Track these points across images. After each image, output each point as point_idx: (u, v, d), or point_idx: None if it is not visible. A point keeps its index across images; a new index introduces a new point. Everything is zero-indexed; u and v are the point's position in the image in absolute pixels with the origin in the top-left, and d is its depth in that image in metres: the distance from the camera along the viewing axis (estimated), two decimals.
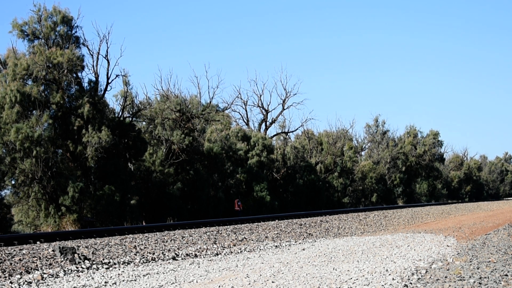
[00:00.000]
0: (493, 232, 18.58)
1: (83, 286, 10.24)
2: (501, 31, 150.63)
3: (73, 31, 28.15)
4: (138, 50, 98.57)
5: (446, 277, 9.12)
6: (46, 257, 12.93)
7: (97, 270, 12.26)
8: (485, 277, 8.85)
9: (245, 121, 48.91)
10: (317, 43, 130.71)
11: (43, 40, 27.48)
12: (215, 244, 17.21)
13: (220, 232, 19.63)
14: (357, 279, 9.55)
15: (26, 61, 26.01)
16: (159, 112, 33.12)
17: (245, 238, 18.88)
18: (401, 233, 20.07)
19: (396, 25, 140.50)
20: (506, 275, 9.01)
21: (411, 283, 8.88)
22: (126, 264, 13.15)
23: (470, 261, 10.81)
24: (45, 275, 11.39)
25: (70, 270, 12.02)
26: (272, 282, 9.68)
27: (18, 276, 11.25)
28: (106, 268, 12.44)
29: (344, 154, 51.91)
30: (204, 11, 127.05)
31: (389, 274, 9.86)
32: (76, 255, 13.13)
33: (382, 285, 8.84)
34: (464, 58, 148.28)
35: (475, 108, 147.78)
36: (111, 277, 11.12)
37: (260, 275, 10.55)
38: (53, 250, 13.40)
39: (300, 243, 17.99)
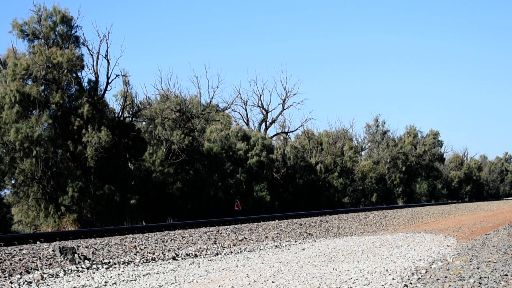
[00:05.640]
0: (493, 232, 18.57)
1: (83, 286, 10.24)
2: (501, 31, 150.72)
3: (73, 31, 28.19)
4: (138, 50, 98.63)
5: (446, 277, 9.12)
6: (46, 257, 12.93)
7: (97, 270, 12.25)
8: (485, 277, 8.85)
9: (245, 121, 48.94)
10: (317, 43, 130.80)
11: (43, 40, 27.48)
12: (215, 244, 17.21)
13: (220, 232, 19.63)
14: (357, 279, 9.54)
15: (26, 61, 26.00)
16: (159, 112, 33.11)
17: (245, 238, 18.88)
18: (401, 233, 20.07)
19: (396, 25, 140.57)
20: (506, 275, 9.01)
21: (411, 283, 8.88)
22: (126, 264, 13.15)
23: (470, 261, 10.81)
24: (45, 275, 11.39)
25: (70, 270, 12.02)
26: (272, 282, 9.68)
27: (18, 276, 11.25)
28: (106, 268, 12.43)
29: (344, 154, 51.90)
30: (204, 11, 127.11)
31: (389, 274, 9.86)
32: (76, 255, 13.13)
33: (382, 285, 8.83)
34: (464, 58, 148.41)
35: (475, 108, 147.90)
36: (111, 277, 11.11)
37: (260, 275, 10.54)
38: (53, 250, 13.40)
39: (300, 243, 17.99)
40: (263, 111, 49.10)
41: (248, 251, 15.82)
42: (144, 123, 34.27)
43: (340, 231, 22.89)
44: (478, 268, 9.77)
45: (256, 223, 23.59)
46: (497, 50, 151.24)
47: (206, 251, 15.60)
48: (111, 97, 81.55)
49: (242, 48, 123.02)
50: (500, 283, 8.42)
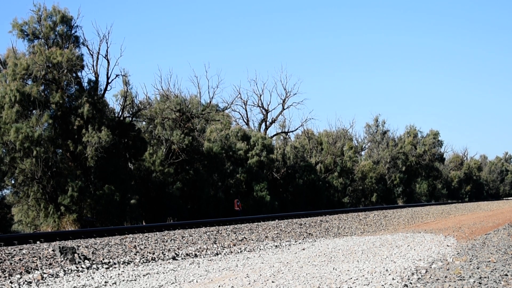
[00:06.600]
0: (493, 232, 18.57)
1: (83, 286, 10.24)
2: (501, 31, 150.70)
3: (73, 31, 28.16)
4: (138, 50, 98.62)
5: (446, 277, 9.12)
6: (46, 257, 12.93)
7: (97, 270, 12.25)
8: (485, 277, 8.85)
9: (245, 121, 48.94)
10: (317, 43, 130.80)
11: (43, 40, 27.47)
12: (215, 244, 17.21)
13: (220, 232, 19.63)
14: (357, 279, 9.54)
15: (26, 61, 26.00)
16: (159, 112, 33.11)
17: (245, 238, 18.88)
18: (401, 233, 20.07)
19: (396, 25, 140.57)
20: (506, 275, 9.01)
21: (411, 283, 8.88)
22: (126, 264, 13.15)
23: (470, 261, 10.81)
24: (45, 275, 11.39)
25: (70, 270, 12.02)
26: (272, 282, 9.68)
27: (18, 276, 11.25)
28: (106, 268, 12.44)
29: (344, 154, 51.90)
30: (204, 11, 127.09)
31: (389, 274, 9.86)
32: (76, 255, 13.13)
33: (382, 285, 8.83)
34: (464, 58, 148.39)
35: (475, 108, 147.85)
36: (111, 277, 11.11)
37: (260, 275, 10.55)
38: (53, 250, 13.40)
39: (300, 243, 17.99)
40: (263, 111, 49.13)
41: (248, 251, 15.82)
42: (144, 123, 34.27)
43: (340, 231, 22.89)
44: (478, 268, 9.77)
45: (256, 223, 23.59)
46: (497, 50, 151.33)
47: (206, 251, 15.60)
48: (111, 97, 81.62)
49: (242, 48, 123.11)
50: (500, 283, 8.42)
